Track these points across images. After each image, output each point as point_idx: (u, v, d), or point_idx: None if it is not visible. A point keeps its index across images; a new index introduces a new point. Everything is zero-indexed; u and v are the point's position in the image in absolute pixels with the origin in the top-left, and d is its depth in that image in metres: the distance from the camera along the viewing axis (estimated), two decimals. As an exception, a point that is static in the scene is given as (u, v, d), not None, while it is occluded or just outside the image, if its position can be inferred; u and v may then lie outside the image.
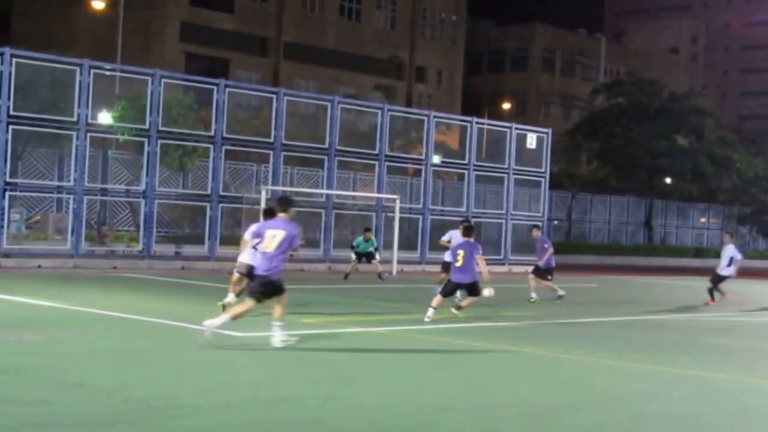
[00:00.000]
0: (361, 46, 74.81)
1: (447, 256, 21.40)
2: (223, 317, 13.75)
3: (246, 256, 17.17)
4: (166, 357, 12.93)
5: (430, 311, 18.19)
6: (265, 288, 13.81)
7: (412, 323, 17.95)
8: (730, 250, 26.48)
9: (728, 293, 26.41)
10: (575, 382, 12.41)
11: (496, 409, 10.38)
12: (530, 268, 26.04)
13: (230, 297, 17.56)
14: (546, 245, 24.94)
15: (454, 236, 21.35)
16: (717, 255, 62.99)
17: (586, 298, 25.85)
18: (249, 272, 16.84)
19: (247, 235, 16.25)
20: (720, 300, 26.17)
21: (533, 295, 24.12)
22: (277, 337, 13.65)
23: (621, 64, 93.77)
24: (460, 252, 18.47)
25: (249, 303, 13.90)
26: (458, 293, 19.28)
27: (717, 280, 26.49)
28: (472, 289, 18.57)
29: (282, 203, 14.33)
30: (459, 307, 18.82)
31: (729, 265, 26.26)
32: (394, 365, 13.20)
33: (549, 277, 24.66)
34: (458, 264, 18.42)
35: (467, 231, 18.98)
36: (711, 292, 26.43)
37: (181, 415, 9.30)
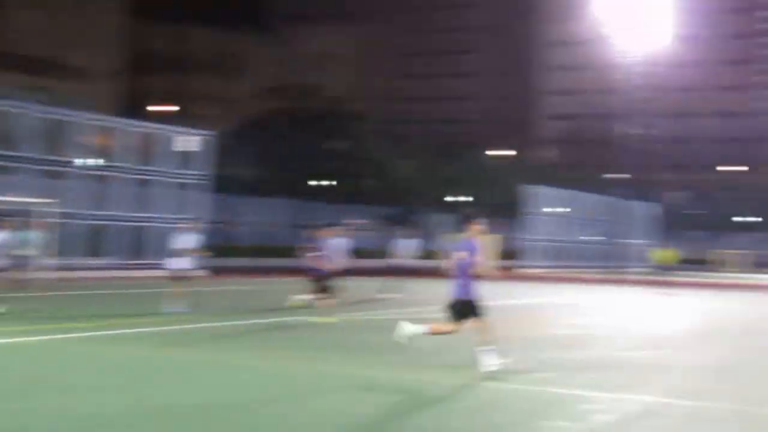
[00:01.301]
0: (11, 43, 71.93)
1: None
2: (422, 328, 13.89)
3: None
4: None
5: None
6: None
7: (68, 332, 17.70)
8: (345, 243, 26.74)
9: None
10: (223, 383, 12.62)
11: (141, 415, 10.45)
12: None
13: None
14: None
15: None
16: (370, 255, 65.08)
17: (234, 301, 26.10)
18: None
19: None
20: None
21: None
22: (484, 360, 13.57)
23: (282, 68, 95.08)
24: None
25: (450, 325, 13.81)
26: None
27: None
28: None
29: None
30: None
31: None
32: (47, 376, 12.94)
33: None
34: None
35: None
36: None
37: None
